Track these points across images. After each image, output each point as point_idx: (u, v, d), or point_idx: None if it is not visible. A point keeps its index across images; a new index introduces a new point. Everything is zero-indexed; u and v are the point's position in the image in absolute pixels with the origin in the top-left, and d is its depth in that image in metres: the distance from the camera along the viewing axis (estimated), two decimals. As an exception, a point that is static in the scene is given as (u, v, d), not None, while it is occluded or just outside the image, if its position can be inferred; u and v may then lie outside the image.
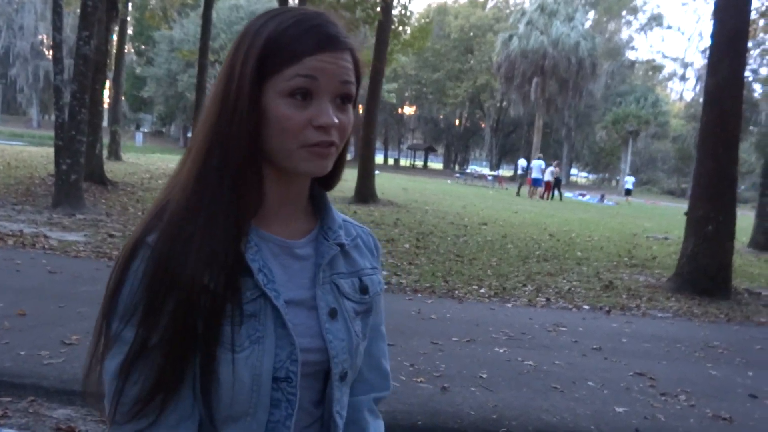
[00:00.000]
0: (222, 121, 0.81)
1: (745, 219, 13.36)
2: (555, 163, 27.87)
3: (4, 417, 2.84)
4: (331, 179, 0.94)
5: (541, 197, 25.52)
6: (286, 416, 0.84)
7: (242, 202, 0.82)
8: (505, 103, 50.34)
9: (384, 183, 21.60)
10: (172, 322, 0.77)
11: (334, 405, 0.90)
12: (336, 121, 0.81)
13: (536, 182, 25.70)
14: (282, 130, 0.80)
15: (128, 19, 24.68)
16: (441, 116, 58.82)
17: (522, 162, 28.47)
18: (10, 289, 4.76)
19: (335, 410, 0.90)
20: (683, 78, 65.58)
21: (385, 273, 6.88)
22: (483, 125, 58.28)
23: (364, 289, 0.95)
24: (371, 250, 1.01)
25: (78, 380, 3.23)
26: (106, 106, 19.52)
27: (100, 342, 0.81)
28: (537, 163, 25.74)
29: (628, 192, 31.30)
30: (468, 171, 42.23)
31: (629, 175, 32.31)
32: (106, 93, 18.25)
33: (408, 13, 18.99)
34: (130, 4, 22.85)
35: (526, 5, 46.05)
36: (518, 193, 26.83)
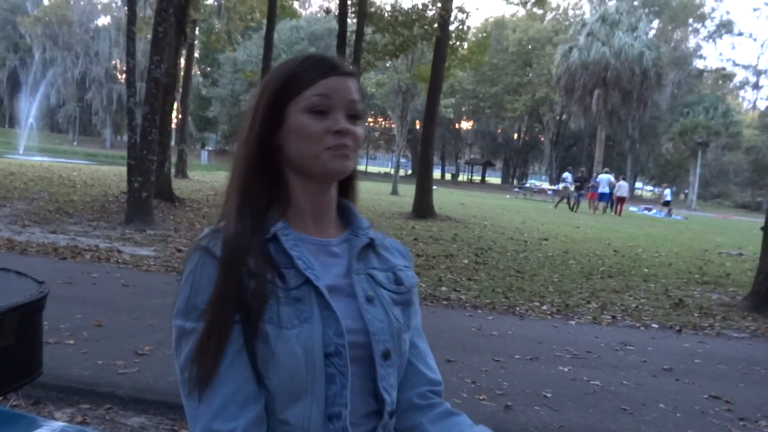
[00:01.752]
0: (253, 132, 1.00)
1: (829, 234, 12.54)
2: (616, 176, 27.06)
3: (83, 423, 2.98)
4: (352, 193, 1.11)
5: (613, 211, 24.79)
6: (341, 387, 0.91)
7: (265, 196, 0.99)
8: (564, 116, 49.39)
9: (442, 198, 21.55)
10: (227, 307, 0.90)
11: (379, 381, 0.96)
12: (349, 126, 0.97)
13: (602, 197, 24.94)
14: (306, 138, 0.96)
15: (195, 42, 25.77)
16: (499, 130, 58.26)
17: (566, 175, 27.17)
18: (87, 301, 5.01)
19: (381, 386, 0.97)
20: (756, 86, 62.56)
21: (444, 288, 6.84)
22: (542, 139, 57.36)
23: (399, 281, 1.05)
24: (402, 253, 1.12)
25: (151, 389, 3.36)
26: (174, 126, 20.39)
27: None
28: (605, 177, 25.01)
29: (666, 203, 29.92)
30: (527, 185, 41.57)
31: (668, 187, 31.14)
32: (174, 114, 19.07)
33: (465, 28, 19.00)
34: (197, 29, 23.86)
35: (587, 16, 45.22)
36: (556, 206, 25.75)
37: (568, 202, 25.68)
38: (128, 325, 4.47)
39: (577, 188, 25.51)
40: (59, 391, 3.28)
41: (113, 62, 56.40)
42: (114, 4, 59.74)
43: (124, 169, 11.07)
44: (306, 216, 1.01)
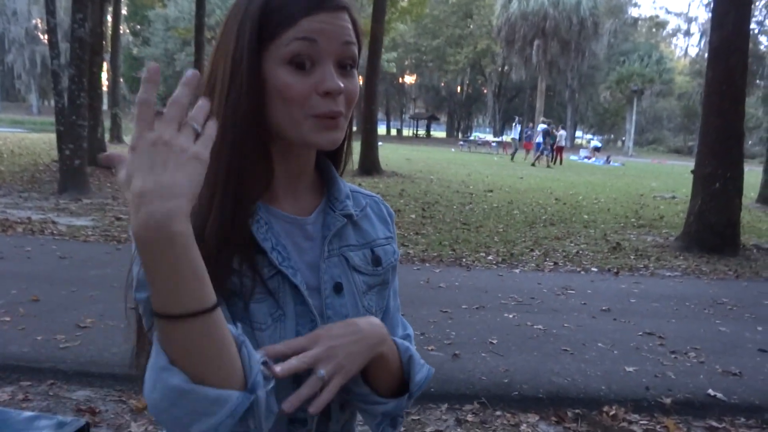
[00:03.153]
0: (222, 99, 0.77)
1: (753, 175, 13.33)
2: (556, 126, 27.58)
3: (26, 401, 2.90)
4: (338, 155, 0.91)
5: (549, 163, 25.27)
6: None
7: (249, 183, 0.78)
8: (506, 68, 49.71)
9: (388, 154, 21.53)
10: None
11: None
12: (341, 85, 0.76)
13: (538, 146, 25.51)
14: (285, 101, 0.75)
15: (122, -1, 24.38)
16: (442, 84, 58.21)
17: (543, 126, 27.01)
18: (22, 276, 4.81)
19: None
20: (687, 33, 64.64)
21: (392, 244, 6.91)
22: (485, 91, 57.73)
23: (376, 261, 0.91)
24: (383, 219, 0.96)
25: (95, 361, 3.29)
26: (105, 89, 19.43)
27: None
28: (541, 127, 25.56)
29: (597, 149, 32.61)
30: (472, 138, 41.99)
31: (594, 137, 33.16)
32: (104, 75, 18.14)
33: (405, -20, 18.69)
34: (122, -16, 22.54)
35: (525, -34, 45.07)
36: (513, 159, 26.09)
37: (513, 154, 26.08)
38: (67, 299, 4.32)
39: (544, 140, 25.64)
40: (-3, 369, 3.17)
41: (34, 21, 52.76)
42: (29, -42, 55.57)
43: (53, 136, 10.53)
44: (279, 183, 0.84)
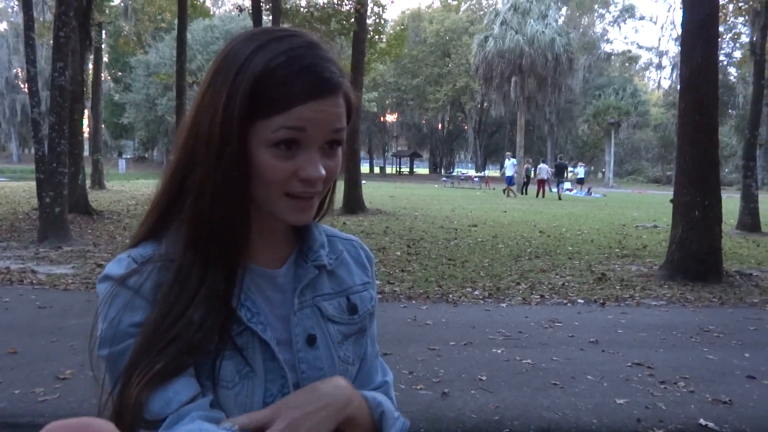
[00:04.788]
0: (210, 163, 0.75)
1: (732, 202, 13.56)
2: (536, 159, 28.19)
3: (1, 459, 2.79)
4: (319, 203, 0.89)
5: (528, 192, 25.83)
6: None
7: (230, 244, 0.78)
8: (485, 104, 50.59)
9: (371, 192, 21.62)
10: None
11: None
12: (323, 173, 0.76)
13: (509, 180, 26.42)
14: (265, 180, 0.75)
15: (103, 46, 24.62)
16: (423, 121, 59.04)
17: (512, 161, 27.72)
18: (-1, 328, 4.69)
19: None
20: (659, 67, 66.42)
21: (377, 282, 6.86)
22: (466, 127, 58.57)
23: (352, 309, 0.89)
24: (361, 264, 0.94)
25: (75, 414, 3.17)
26: (86, 135, 19.43)
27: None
28: (511, 162, 26.57)
29: (580, 181, 31.56)
30: (454, 174, 42.43)
31: (580, 165, 33.03)
32: (85, 122, 18.16)
33: (383, 22, 19.14)
34: (103, 32, 22.77)
35: (499, 6, 46.41)
36: (509, 195, 26.36)
37: (508, 190, 26.46)
38: (46, 349, 4.21)
39: (556, 174, 26.30)
40: (-28, 427, 3.06)
41: (14, 71, 52.94)
42: (10, 9, 56.02)
43: (33, 184, 10.45)
44: (253, 235, 0.81)
